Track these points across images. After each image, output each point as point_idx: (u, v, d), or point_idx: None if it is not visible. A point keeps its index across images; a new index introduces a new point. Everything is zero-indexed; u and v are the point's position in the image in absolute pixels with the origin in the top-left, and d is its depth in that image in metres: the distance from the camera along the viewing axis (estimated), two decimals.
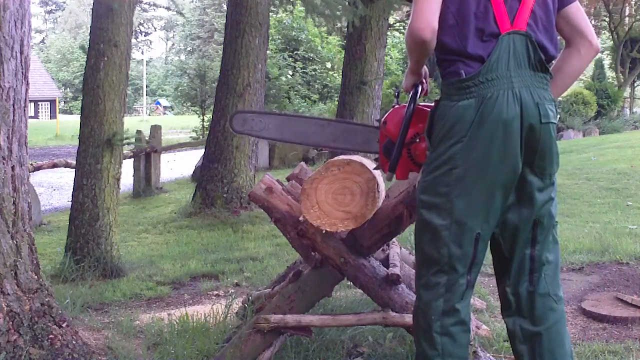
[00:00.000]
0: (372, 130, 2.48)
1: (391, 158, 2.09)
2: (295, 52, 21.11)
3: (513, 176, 1.87)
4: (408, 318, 2.40)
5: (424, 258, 1.98)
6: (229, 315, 3.36)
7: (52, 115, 39.57)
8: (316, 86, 21.66)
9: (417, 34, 1.85)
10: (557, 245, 2.00)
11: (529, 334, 1.96)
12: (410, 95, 2.08)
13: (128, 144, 5.67)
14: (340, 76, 10.98)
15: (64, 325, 2.77)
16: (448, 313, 1.92)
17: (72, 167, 6.05)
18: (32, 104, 38.91)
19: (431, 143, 1.94)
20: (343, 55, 11.18)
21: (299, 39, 21.22)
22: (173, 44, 68.41)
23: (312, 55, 21.54)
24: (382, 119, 2.18)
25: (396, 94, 2.25)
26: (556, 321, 1.95)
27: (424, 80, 2.12)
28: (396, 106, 2.18)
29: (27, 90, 2.81)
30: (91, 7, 5.26)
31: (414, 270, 2.88)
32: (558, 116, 1.98)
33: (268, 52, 9.15)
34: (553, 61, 1.98)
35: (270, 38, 10.88)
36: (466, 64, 1.86)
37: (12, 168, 2.68)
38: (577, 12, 2.01)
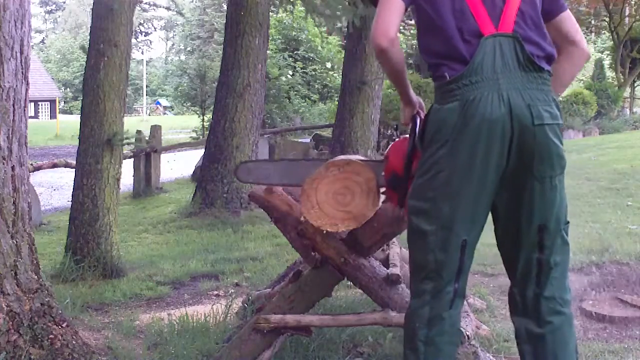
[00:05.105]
0: (377, 165, 2.45)
1: (399, 193, 2.06)
2: (295, 52, 21.13)
3: (497, 179, 1.83)
4: None
5: (413, 264, 1.96)
6: (229, 315, 3.36)
7: (52, 115, 39.51)
8: (316, 86, 21.68)
9: (374, 42, 1.87)
10: (566, 246, 1.94)
11: (533, 335, 1.94)
12: (410, 128, 2.05)
13: (128, 144, 5.68)
14: (340, 76, 10.98)
15: (64, 325, 2.77)
16: (434, 321, 1.89)
17: (72, 167, 6.05)
18: (32, 104, 38.85)
19: (422, 147, 1.92)
20: (343, 55, 11.19)
21: (299, 39, 21.25)
22: (173, 44, 68.33)
23: (312, 55, 21.56)
24: (385, 154, 2.16)
25: (395, 127, 2.24)
26: (561, 324, 1.92)
27: (420, 111, 2.10)
28: (396, 139, 2.16)
29: (27, 90, 2.81)
30: (91, 7, 5.26)
31: None
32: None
33: (268, 52, 9.14)
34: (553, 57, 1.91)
35: (270, 38, 10.86)
36: (450, 67, 1.83)
37: (12, 168, 2.68)
38: (568, 20, 1.98)
